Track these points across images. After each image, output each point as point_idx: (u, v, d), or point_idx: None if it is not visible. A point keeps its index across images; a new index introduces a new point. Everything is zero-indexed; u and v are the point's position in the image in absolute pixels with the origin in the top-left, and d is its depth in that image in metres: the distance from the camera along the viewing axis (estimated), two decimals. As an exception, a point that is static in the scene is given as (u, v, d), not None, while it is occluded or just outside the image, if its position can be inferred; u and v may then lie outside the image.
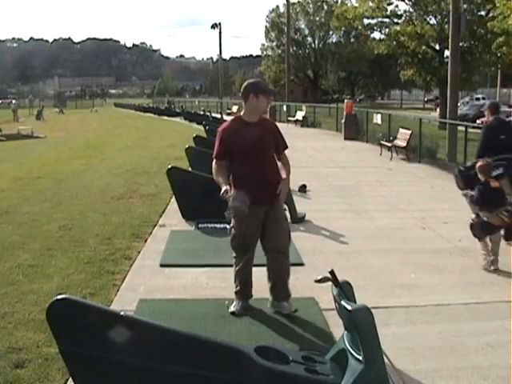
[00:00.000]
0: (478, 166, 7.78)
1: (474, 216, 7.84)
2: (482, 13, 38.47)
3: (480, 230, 7.59)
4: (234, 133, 5.81)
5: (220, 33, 57.98)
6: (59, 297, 3.54)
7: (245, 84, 5.98)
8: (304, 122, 34.19)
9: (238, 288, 6.06)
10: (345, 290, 4.07)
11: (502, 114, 10.62)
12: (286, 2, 42.68)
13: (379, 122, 23.19)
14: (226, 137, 5.82)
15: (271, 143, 5.88)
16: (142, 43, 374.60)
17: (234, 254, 6.06)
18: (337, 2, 75.09)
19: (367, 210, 11.08)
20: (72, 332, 3.56)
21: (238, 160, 5.81)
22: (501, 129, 9.14)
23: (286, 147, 6.05)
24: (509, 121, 10.40)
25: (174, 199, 10.91)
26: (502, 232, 7.67)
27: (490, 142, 8.97)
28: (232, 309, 5.99)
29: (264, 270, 6.00)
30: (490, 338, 5.38)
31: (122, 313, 3.73)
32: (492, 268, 7.40)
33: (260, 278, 6.08)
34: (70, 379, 4.23)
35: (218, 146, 5.86)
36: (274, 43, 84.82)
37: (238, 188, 5.77)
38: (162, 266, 7.56)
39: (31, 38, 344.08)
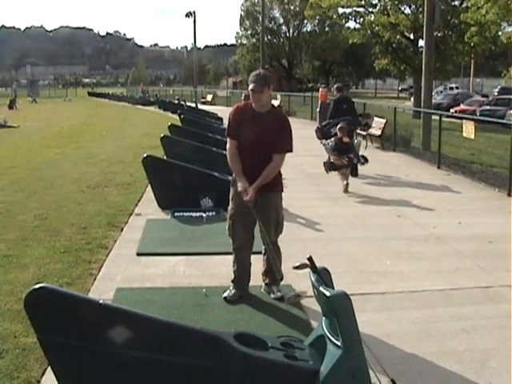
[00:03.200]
0: (339, 127, 12.04)
1: (326, 158, 12.45)
2: (456, 3, 38.62)
3: (328, 167, 12.16)
4: None
5: (194, 21, 57.33)
6: (37, 286, 3.50)
7: None
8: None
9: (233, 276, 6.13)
10: (323, 277, 4.09)
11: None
12: (260, -9, 42.51)
13: (354, 110, 23.22)
14: None
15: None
16: (115, 32, 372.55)
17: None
18: (311, -9, 75.01)
19: (342, 197, 11.15)
20: (50, 321, 3.54)
21: None
22: (343, 101, 13.87)
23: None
24: (348, 96, 14.97)
25: (149, 188, 10.87)
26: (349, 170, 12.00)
27: (337, 109, 13.58)
28: (224, 294, 6.03)
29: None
30: (464, 324, 5.46)
31: (100, 301, 3.72)
32: (343, 189, 11.65)
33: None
34: (49, 369, 4.22)
35: None
36: (249, 32, 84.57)
37: None
38: (138, 254, 7.54)
39: (2, 26, 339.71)
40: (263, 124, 5.71)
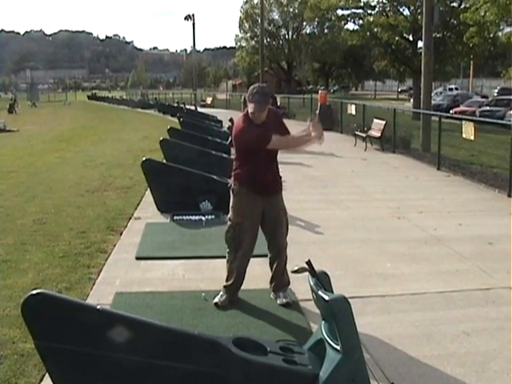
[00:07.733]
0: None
1: None
2: (455, 4, 38.61)
3: None
4: None
5: (193, 24, 57.26)
6: (34, 291, 3.48)
7: None
8: (278, 113, 34.10)
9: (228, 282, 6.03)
10: (322, 280, 4.06)
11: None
12: (259, -7, 42.51)
13: (353, 112, 23.25)
14: None
15: None
16: (114, 35, 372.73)
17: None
18: (310, -7, 74.99)
19: (342, 200, 11.12)
20: (48, 327, 3.52)
21: None
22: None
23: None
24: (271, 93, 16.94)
25: (148, 192, 10.85)
26: None
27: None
28: (215, 300, 5.97)
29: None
30: (465, 326, 5.43)
31: (98, 306, 3.69)
32: None
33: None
34: (47, 375, 4.19)
35: None
36: (248, 34, 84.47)
37: None
38: (137, 258, 7.52)
39: (2, 30, 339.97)
40: (264, 129, 5.65)
